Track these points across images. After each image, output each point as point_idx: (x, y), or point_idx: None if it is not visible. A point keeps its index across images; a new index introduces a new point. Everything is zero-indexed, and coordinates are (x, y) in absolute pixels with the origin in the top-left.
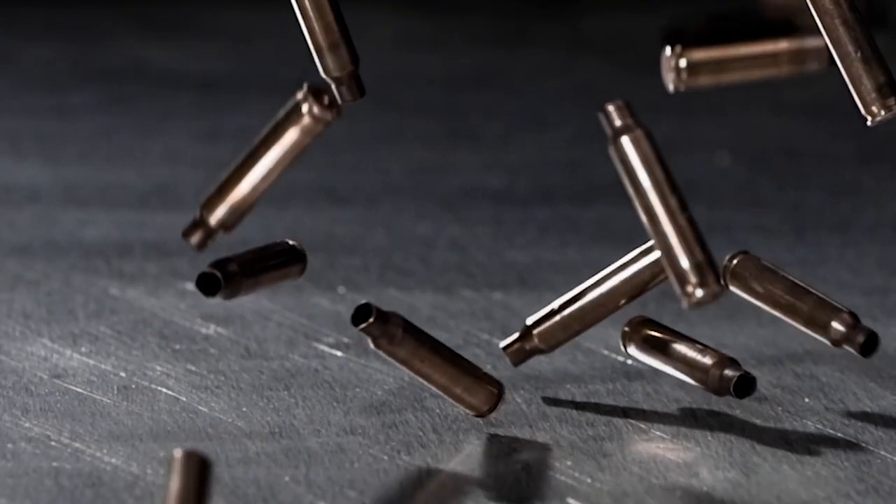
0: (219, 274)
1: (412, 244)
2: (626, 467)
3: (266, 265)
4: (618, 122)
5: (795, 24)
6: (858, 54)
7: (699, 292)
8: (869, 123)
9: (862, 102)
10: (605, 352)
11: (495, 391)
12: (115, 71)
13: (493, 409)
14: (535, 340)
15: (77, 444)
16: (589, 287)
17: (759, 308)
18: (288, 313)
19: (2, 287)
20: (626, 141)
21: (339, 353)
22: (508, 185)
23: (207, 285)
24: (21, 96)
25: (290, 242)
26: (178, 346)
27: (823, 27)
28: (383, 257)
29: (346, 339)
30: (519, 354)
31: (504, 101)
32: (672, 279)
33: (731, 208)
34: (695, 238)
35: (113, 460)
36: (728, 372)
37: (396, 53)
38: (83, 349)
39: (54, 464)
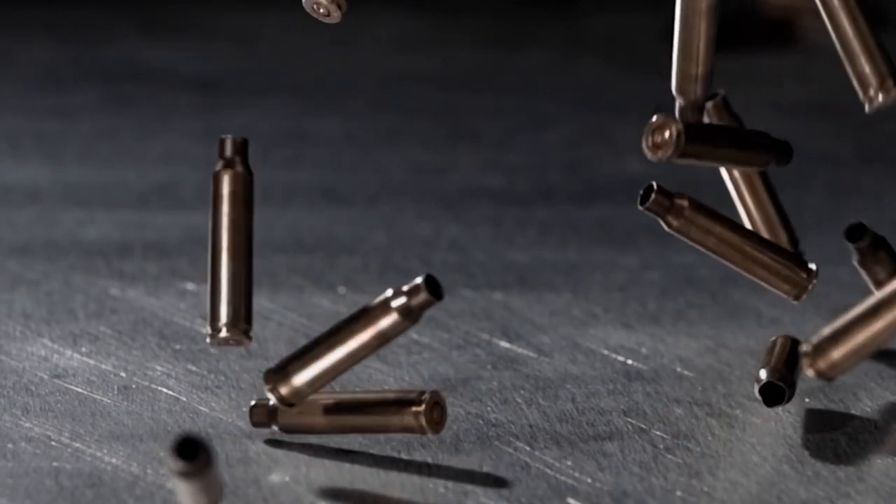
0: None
1: (412, 244)
2: (626, 467)
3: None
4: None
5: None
6: (859, 39)
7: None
8: (867, 110)
9: (861, 87)
10: (605, 352)
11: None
12: (115, 71)
13: (800, 295)
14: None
15: (77, 444)
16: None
17: (759, 308)
18: (288, 313)
19: (2, 287)
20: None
21: None
22: (508, 185)
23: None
24: (21, 96)
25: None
26: (178, 346)
27: (825, 12)
28: (383, 257)
29: None
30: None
31: (504, 101)
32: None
33: (731, 208)
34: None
35: (113, 460)
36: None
37: (396, 53)
38: (83, 349)
39: (55, 464)
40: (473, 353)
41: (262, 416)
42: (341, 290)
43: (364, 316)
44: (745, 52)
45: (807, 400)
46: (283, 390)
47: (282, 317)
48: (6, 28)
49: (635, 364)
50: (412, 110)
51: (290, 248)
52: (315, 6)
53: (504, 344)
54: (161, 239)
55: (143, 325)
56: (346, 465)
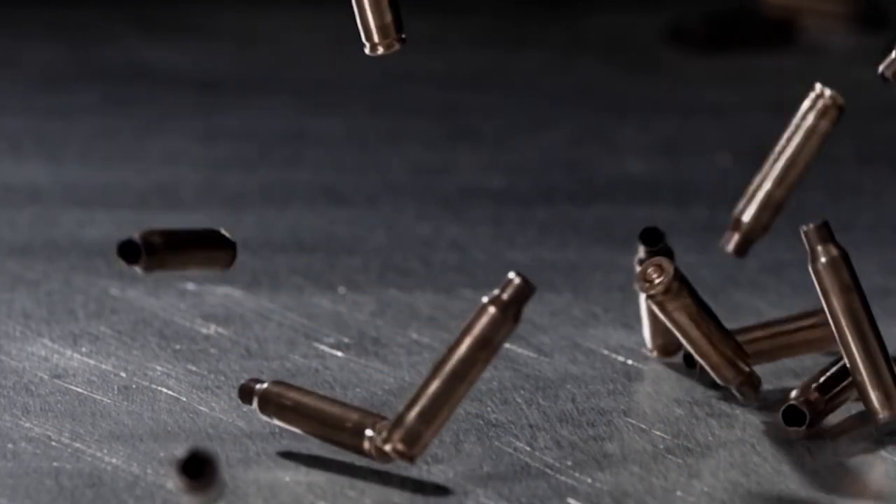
0: (139, 240)
1: (412, 244)
2: (626, 467)
3: (193, 244)
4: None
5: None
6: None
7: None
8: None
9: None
10: (605, 352)
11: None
12: (115, 71)
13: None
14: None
15: (77, 445)
16: None
17: (759, 308)
18: (288, 313)
19: (2, 287)
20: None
21: (339, 353)
22: (508, 185)
23: (129, 252)
24: (21, 96)
25: (222, 231)
26: (178, 346)
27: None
28: (383, 257)
29: (346, 339)
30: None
31: (504, 101)
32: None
33: (731, 208)
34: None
35: (113, 460)
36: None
37: (396, 53)
38: (83, 349)
39: (55, 464)
40: None
41: (247, 395)
42: (341, 290)
43: (465, 334)
44: (745, 52)
45: None
46: (401, 444)
47: (282, 317)
48: (6, 28)
49: (635, 364)
50: (412, 110)
51: (290, 248)
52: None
53: (504, 344)
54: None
55: (143, 325)
56: (346, 465)
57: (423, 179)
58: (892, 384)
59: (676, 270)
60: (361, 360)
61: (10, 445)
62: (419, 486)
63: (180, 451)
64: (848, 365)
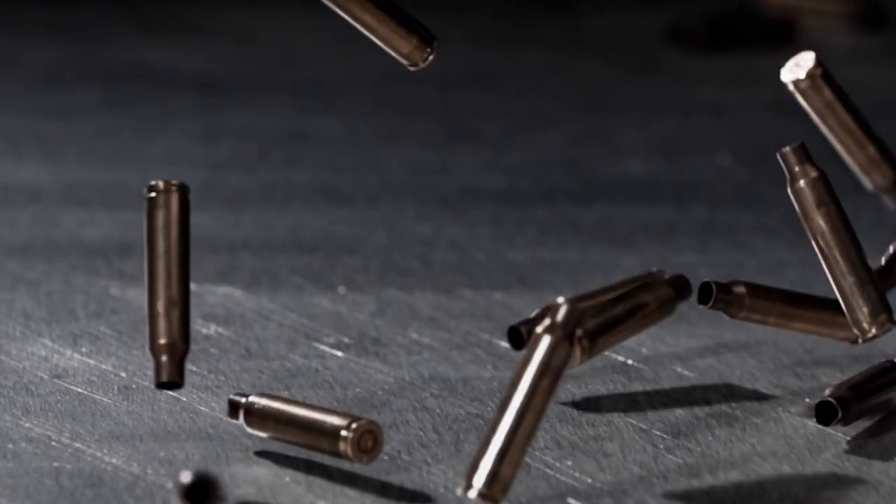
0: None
1: (412, 244)
2: (626, 467)
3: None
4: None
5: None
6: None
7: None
8: (860, 342)
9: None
10: (606, 352)
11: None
12: (115, 71)
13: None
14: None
15: (77, 445)
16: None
17: None
18: (288, 313)
19: (2, 287)
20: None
21: (339, 353)
22: (508, 185)
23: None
24: (21, 96)
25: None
26: None
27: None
28: (383, 257)
29: (346, 339)
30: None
31: (504, 101)
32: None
33: (732, 208)
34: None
35: (113, 460)
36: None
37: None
38: (84, 349)
39: (55, 464)
40: (473, 353)
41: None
42: (341, 290)
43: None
44: (745, 52)
45: (807, 400)
46: (485, 488)
47: (282, 317)
48: (6, 28)
49: (635, 364)
50: (412, 110)
51: (290, 248)
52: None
53: (504, 344)
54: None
55: (143, 325)
56: (346, 465)
57: (423, 179)
58: (877, 297)
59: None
60: (361, 360)
61: (10, 445)
62: (419, 487)
63: (185, 476)
64: (832, 282)
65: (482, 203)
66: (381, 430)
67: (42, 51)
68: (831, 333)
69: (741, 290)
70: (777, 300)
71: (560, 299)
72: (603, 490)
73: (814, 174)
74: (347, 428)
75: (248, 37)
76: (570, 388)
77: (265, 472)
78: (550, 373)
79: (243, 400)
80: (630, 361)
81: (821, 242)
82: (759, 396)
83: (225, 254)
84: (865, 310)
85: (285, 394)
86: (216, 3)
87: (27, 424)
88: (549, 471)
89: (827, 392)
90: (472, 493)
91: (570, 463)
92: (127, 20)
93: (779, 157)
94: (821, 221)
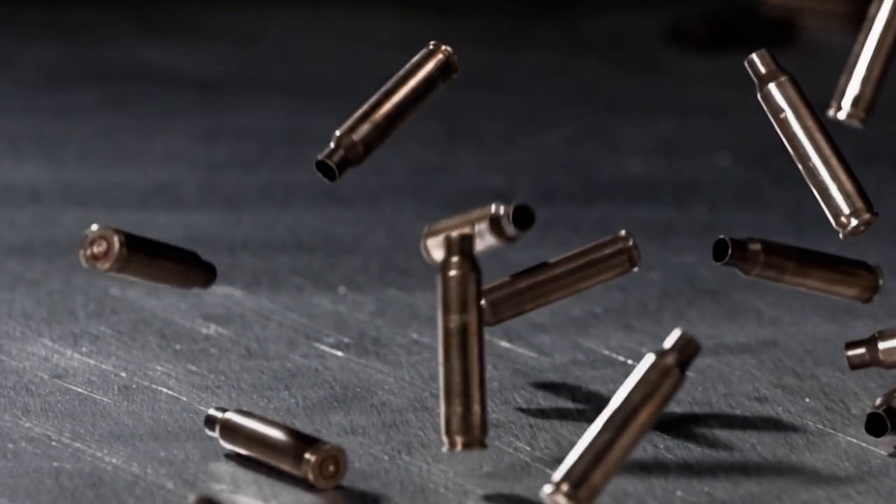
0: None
1: (412, 244)
2: (626, 467)
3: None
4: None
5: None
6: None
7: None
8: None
9: (833, 215)
10: (606, 352)
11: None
12: (115, 71)
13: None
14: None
15: (78, 444)
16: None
17: (759, 308)
18: (288, 313)
19: (2, 287)
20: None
21: (339, 353)
22: (508, 185)
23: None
24: (21, 96)
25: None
26: (178, 346)
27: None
28: (383, 257)
29: (346, 339)
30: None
31: (504, 101)
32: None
33: (731, 208)
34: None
35: (113, 460)
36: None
37: (396, 53)
38: (84, 349)
39: (55, 464)
40: None
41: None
42: (341, 290)
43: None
44: (745, 52)
45: (807, 400)
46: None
47: (282, 317)
48: (6, 28)
49: (635, 364)
50: None
51: (290, 248)
52: None
53: (504, 344)
54: (161, 239)
55: (143, 325)
56: (347, 465)
57: (423, 179)
58: (855, 190)
59: None
60: (361, 360)
61: (10, 445)
62: (419, 486)
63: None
64: (810, 182)
65: (482, 203)
66: (345, 454)
67: (42, 51)
68: (844, 292)
69: (756, 246)
70: (791, 257)
71: (680, 331)
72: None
73: (782, 77)
74: (310, 452)
75: (248, 37)
76: (569, 388)
77: (265, 472)
78: (659, 397)
79: (219, 415)
80: (630, 361)
81: (795, 143)
82: (759, 396)
83: (225, 254)
84: (844, 203)
85: (285, 394)
86: (216, 3)
87: (27, 424)
88: (549, 471)
89: (877, 402)
90: (557, 493)
91: None
92: (127, 20)
93: (746, 64)
94: (793, 122)
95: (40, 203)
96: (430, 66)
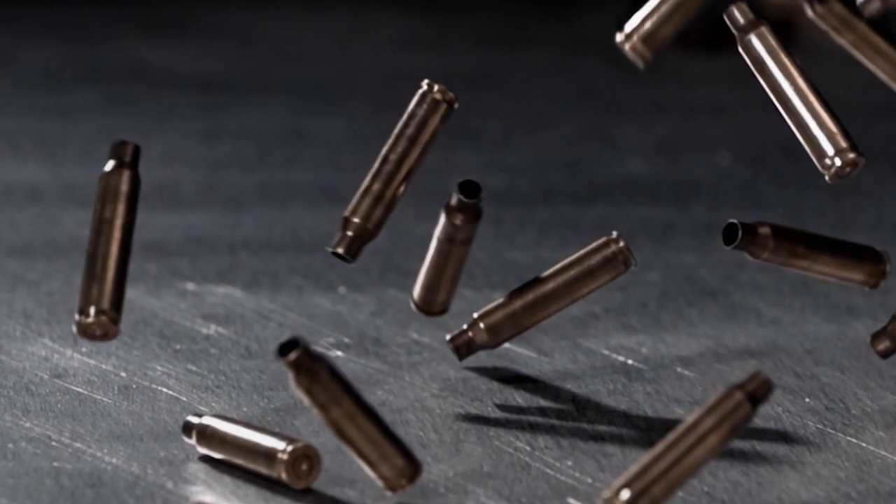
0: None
1: (412, 244)
2: (626, 467)
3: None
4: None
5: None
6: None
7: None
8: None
9: (817, 158)
10: (605, 352)
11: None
12: (115, 71)
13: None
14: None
15: (78, 444)
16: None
17: (759, 308)
18: (288, 313)
19: (2, 287)
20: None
21: (339, 353)
22: (508, 185)
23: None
24: (21, 96)
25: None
26: (178, 346)
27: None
28: (383, 257)
29: (346, 339)
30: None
31: (504, 101)
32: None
33: (731, 208)
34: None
35: (114, 460)
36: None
37: (396, 53)
38: (84, 349)
39: (55, 464)
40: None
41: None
42: (341, 290)
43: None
44: None
45: (807, 400)
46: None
47: (282, 317)
48: (6, 28)
49: (635, 364)
50: None
51: (290, 248)
52: None
53: (504, 344)
54: (161, 239)
55: (143, 325)
56: (347, 465)
57: (423, 179)
58: (839, 131)
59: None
60: (361, 360)
61: (10, 445)
62: (419, 486)
63: None
64: (795, 128)
65: (482, 203)
66: (319, 454)
67: (42, 51)
68: (852, 276)
69: (766, 230)
70: (801, 242)
71: (756, 371)
72: (603, 490)
73: (762, 26)
74: (283, 451)
75: (248, 37)
76: (569, 388)
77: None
78: (727, 425)
79: (195, 421)
80: (630, 361)
81: (778, 90)
82: None
83: (225, 254)
84: (828, 144)
85: (285, 394)
86: (216, 3)
87: (27, 424)
88: (549, 471)
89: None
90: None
91: (570, 463)
92: (127, 20)
93: (725, 17)
94: (774, 69)
95: (40, 203)
96: (435, 122)
